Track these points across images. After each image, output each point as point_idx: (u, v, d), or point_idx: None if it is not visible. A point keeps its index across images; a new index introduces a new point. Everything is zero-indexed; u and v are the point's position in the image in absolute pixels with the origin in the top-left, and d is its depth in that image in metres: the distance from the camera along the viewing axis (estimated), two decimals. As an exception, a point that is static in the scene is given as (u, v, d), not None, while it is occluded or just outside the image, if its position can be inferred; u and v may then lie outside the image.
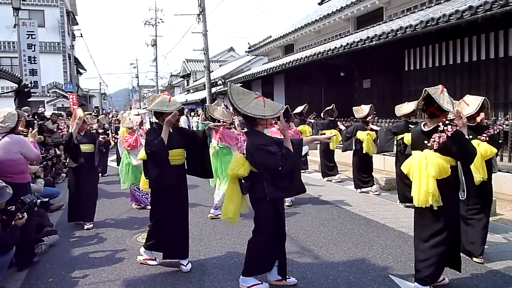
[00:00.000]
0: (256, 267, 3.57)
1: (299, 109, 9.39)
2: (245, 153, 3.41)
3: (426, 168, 3.18)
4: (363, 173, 7.70)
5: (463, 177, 3.30)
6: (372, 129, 7.44)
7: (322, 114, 9.37)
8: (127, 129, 6.97)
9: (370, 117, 7.72)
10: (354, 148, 7.64)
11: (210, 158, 4.52)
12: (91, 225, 5.67)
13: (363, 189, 7.68)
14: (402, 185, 6.47)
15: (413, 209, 3.55)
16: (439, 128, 3.16)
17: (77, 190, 5.65)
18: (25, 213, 3.83)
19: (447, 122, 3.20)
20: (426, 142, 3.28)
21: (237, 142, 5.58)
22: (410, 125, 6.43)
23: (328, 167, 9.12)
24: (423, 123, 3.48)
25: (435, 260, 3.28)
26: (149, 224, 4.28)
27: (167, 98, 4.03)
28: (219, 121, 5.82)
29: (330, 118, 9.09)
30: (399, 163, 6.64)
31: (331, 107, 9.14)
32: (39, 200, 5.41)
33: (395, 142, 6.38)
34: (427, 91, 3.24)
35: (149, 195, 6.35)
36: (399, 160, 6.61)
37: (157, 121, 4.09)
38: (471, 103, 4.03)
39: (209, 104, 6.65)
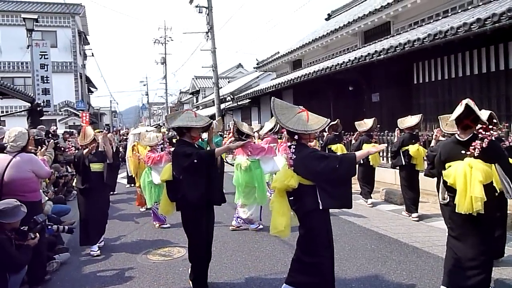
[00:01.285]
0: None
1: None
2: (292, 165, 3.32)
3: (472, 175, 3.22)
4: (368, 184, 8.04)
5: (507, 178, 3.36)
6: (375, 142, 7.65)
7: (327, 129, 9.41)
8: (148, 147, 6.91)
9: (375, 131, 8.05)
10: (361, 162, 7.72)
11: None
12: (98, 251, 5.31)
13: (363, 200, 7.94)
14: (406, 196, 6.81)
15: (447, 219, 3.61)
16: (479, 136, 3.27)
17: (88, 211, 5.38)
18: (37, 233, 3.84)
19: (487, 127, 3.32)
20: (463, 151, 3.37)
21: (275, 153, 5.56)
22: (413, 138, 6.73)
23: None
24: (456, 135, 3.52)
25: (485, 267, 3.32)
26: (191, 255, 3.97)
27: (192, 114, 3.91)
28: (247, 135, 6.10)
29: (335, 133, 9.20)
30: (404, 174, 6.81)
31: (335, 122, 9.24)
32: (67, 227, 5.39)
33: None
34: (468, 103, 3.33)
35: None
36: (404, 171, 6.84)
37: (183, 138, 3.90)
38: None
39: (237, 120, 6.75)
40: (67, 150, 8.47)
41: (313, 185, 3.26)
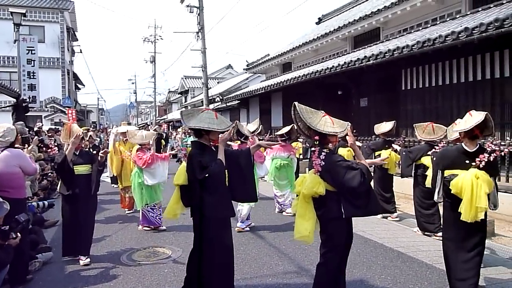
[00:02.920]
0: None
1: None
2: (320, 171, 3.27)
3: (479, 186, 3.39)
4: None
5: (495, 192, 3.66)
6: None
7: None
8: (135, 146, 6.66)
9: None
10: None
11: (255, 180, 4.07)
12: (88, 260, 4.86)
13: None
14: (380, 198, 6.81)
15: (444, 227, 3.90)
16: (487, 149, 3.50)
17: (73, 220, 4.83)
18: (18, 233, 3.76)
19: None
20: (467, 161, 3.54)
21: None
22: (386, 143, 7.04)
23: None
24: (462, 144, 3.66)
25: (478, 267, 3.58)
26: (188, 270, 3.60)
27: (213, 114, 3.56)
28: (246, 137, 6.21)
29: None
30: (377, 177, 6.98)
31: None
32: (46, 202, 5.07)
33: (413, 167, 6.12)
34: (488, 115, 3.54)
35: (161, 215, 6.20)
36: (376, 174, 6.99)
37: (198, 139, 3.60)
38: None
39: (238, 122, 6.76)
40: (49, 150, 8.27)
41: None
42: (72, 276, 4.49)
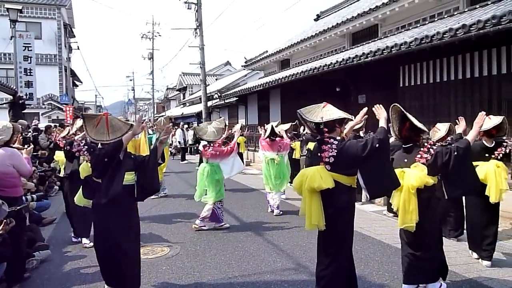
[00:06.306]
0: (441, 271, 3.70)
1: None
2: (426, 163, 3.44)
3: (500, 173, 4.39)
4: None
5: None
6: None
7: (301, 129, 10.22)
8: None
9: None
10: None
11: None
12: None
13: None
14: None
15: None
16: (504, 144, 4.50)
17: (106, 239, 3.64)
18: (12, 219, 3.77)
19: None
20: (487, 155, 4.50)
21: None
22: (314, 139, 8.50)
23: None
24: (482, 140, 4.57)
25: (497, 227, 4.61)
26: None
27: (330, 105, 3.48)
28: (276, 135, 7.55)
29: (294, 132, 10.11)
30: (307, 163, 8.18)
31: (295, 123, 9.49)
32: (35, 196, 5.17)
33: None
34: (504, 119, 4.52)
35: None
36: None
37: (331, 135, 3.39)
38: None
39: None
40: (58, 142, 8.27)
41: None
42: (70, 274, 4.49)
